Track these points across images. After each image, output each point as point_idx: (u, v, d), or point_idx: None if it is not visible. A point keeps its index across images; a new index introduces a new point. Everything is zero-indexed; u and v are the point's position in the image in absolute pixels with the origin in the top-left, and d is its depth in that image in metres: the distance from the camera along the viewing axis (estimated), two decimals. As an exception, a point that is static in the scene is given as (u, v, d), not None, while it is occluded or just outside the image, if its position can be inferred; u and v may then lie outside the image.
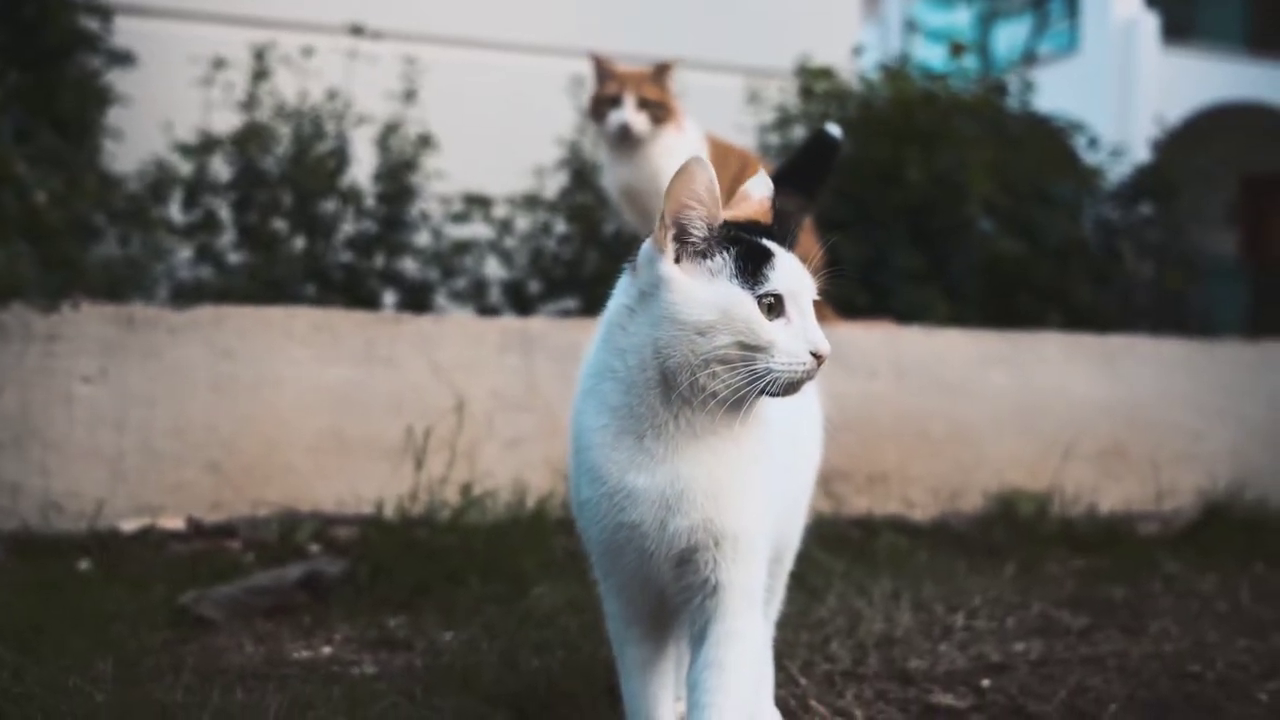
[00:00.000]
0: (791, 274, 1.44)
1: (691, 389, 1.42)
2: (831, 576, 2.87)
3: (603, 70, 3.74)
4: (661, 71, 3.71)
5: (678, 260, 1.43)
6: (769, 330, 1.40)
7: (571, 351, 3.30)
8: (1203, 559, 3.39)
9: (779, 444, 1.55)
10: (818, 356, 1.41)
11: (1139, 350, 4.12)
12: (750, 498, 1.47)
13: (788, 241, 1.50)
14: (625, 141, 3.64)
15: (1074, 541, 3.54)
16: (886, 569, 3.03)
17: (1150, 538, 3.66)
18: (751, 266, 1.43)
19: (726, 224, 1.46)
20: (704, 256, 1.43)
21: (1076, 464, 3.83)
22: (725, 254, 1.43)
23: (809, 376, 1.41)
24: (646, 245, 1.46)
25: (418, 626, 2.45)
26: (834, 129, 2.01)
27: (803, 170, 2.02)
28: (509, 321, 3.51)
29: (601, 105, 3.72)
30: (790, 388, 1.41)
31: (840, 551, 3.14)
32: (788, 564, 1.87)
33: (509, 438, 3.33)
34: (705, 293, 1.41)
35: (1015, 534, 3.57)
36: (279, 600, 2.63)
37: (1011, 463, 3.83)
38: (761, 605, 1.53)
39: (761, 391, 1.40)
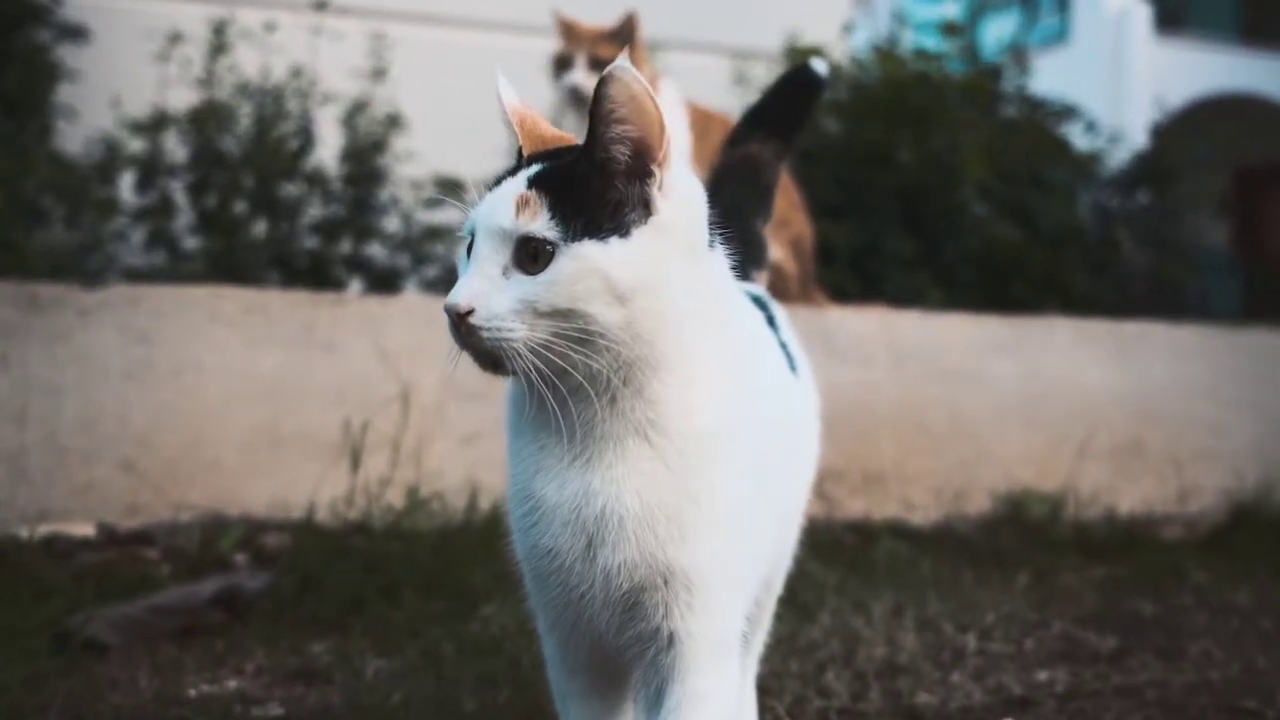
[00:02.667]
0: (481, 207, 1.14)
1: None
2: (825, 591, 2.54)
3: (562, 29, 3.48)
4: (622, 28, 3.41)
5: None
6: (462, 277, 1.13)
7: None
8: (1233, 567, 3.07)
9: (768, 445, 1.21)
10: (448, 312, 1.09)
11: (1154, 337, 3.79)
12: (711, 524, 1.12)
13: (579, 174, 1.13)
14: (579, 106, 3.37)
15: (1090, 547, 3.22)
16: (886, 581, 2.71)
17: (1174, 543, 3.34)
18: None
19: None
20: None
21: (1090, 461, 3.50)
22: None
23: (459, 341, 1.10)
24: None
25: (344, 653, 2.10)
26: (819, 64, 1.68)
27: (778, 111, 1.68)
28: (465, 302, 3.15)
29: (558, 67, 3.46)
30: (474, 356, 1.11)
31: (834, 561, 2.80)
32: (778, 588, 1.54)
33: (464, 432, 2.97)
34: None
35: (1026, 539, 3.25)
36: (189, 620, 2.29)
37: (1019, 459, 3.50)
38: (739, 653, 1.18)
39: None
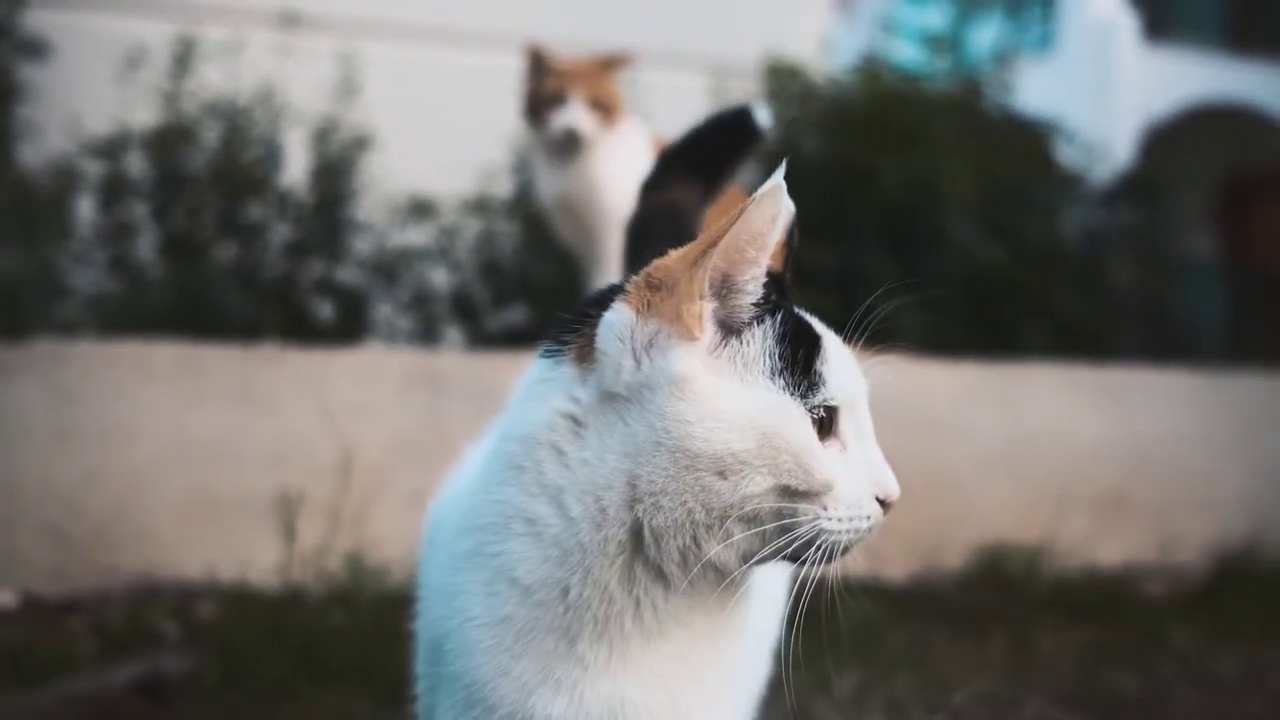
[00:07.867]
0: (847, 369, 0.95)
1: (684, 561, 0.91)
2: (783, 664, 2.39)
3: (540, 64, 3.27)
4: (610, 65, 3.25)
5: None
6: (826, 465, 0.91)
7: (492, 390, 2.79)
8: (1219, 628, 2.93)
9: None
10: (885, 504, 0.95)
11: (1142, 383, 3.65)
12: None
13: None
14: (571, 148, 3.19)
15: (1070, 605, 3.07)
16: (852, 652, 2.55)
17: (1156, 601, 3.20)
18: (800, 354, 0.92)
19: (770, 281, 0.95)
20: (736, 337, 0.91)
21: (1072, 512, 3.35)
22: (758, 331, 0.92)
23: (861, 534, 0.95)
24: (622, 315, 0.90)
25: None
26: (762, 113, 1.47)
27: (706, 154, 1.46)
28: (413, 357, 3.01)
29: (541, 105, 3.24)
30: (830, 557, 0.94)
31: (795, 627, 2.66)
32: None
33: (411, 492, 2.81)
34: (737, 402, 0.88)
35: (1002, 596, 3.11)
36: (104, 711, 2.14)
37: (999, 512, 3.35)
38: None
39: (798, 562, 0.93)
